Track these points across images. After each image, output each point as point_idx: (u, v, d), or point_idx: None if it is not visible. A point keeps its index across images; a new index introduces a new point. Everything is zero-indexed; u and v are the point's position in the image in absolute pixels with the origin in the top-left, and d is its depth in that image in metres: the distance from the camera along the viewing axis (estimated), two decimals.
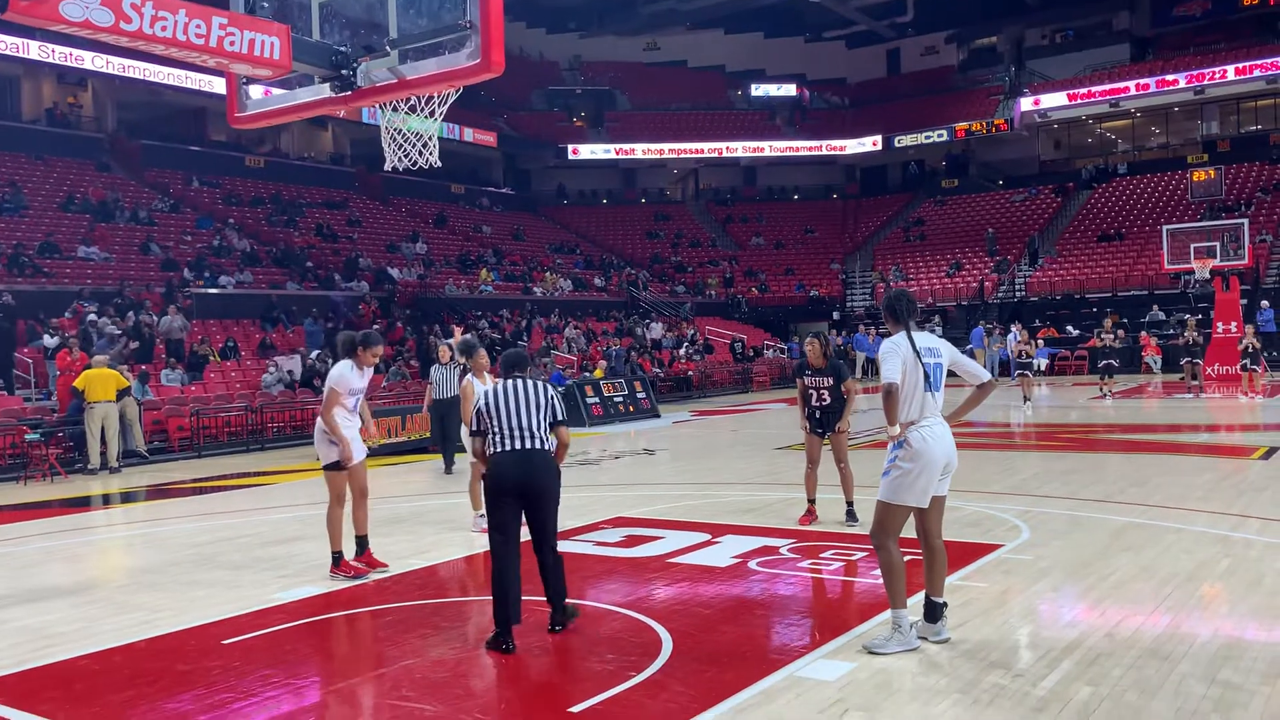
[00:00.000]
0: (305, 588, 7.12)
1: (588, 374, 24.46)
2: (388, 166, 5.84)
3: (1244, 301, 26.72)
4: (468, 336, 11.08)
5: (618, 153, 47.71)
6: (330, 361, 13.95)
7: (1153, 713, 4.30)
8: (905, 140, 46.77)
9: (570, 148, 47.12)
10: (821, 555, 7.50)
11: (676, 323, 35.19)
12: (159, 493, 13.44)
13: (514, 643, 5.45)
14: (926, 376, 5.20)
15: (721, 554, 7.67)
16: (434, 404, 13.42)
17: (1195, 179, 35.28)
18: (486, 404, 5.74)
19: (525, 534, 5.74)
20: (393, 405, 18.26)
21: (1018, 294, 36.72)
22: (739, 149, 48.32)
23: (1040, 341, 28.25)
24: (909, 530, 5.42)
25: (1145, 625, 5.50)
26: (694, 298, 39.23)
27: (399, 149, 5.85)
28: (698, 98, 51.38)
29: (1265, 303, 28.60)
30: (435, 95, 5.71)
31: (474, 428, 5.80)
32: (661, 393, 25.96)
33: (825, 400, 8.62)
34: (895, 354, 5.22)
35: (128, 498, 13.31)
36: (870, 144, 47.58)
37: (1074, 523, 8.38)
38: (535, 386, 5.79)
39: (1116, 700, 4.44)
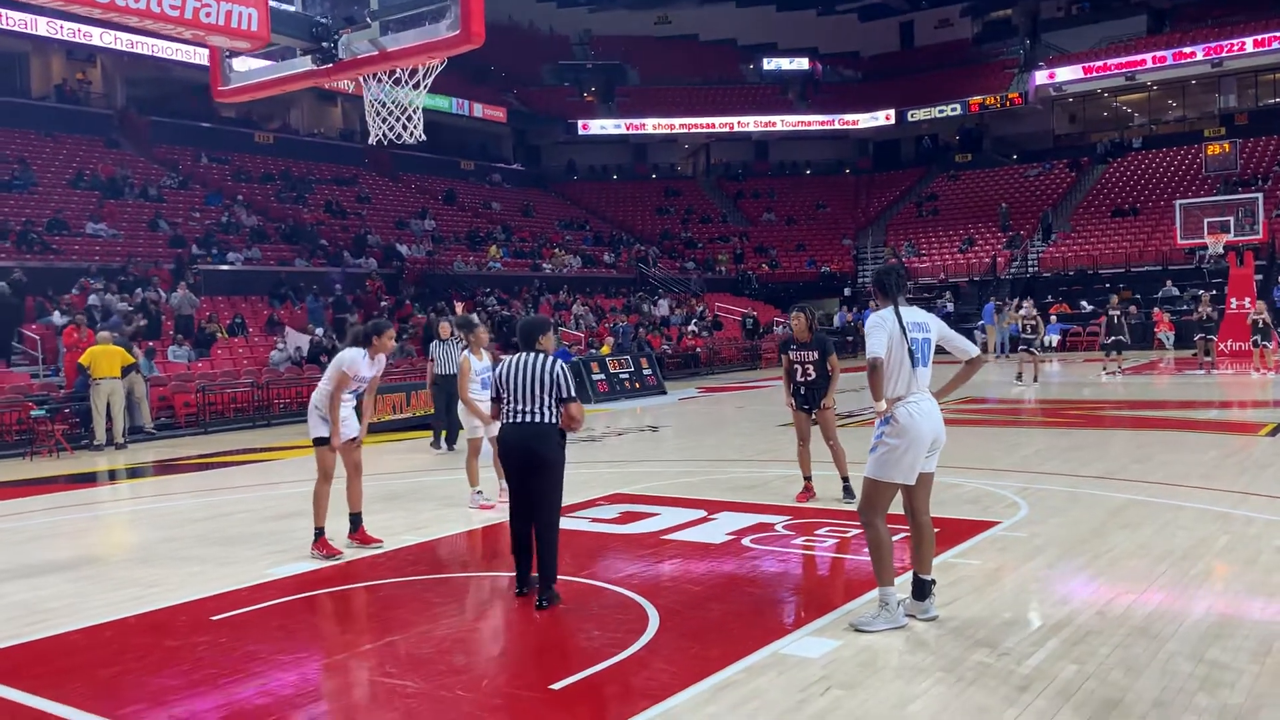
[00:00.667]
0: (299, 564, 7.14)
1: (594, 351, 24.42)
2: (371, 140, 5.81)
3: (1259, 277, 26.42)
4: (470, 316, 11.07)
5: (628, 128, 47.42)
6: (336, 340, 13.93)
7: (1137, 691, 4.25)
8: (919, 114, 46.34)
9: (580, 123, 46.89)
10: (816, 532, 7.47)
11: (685, 299, 35.06)
12: (163, 468, 13.49)
13: (527, 589, 5.92)
14: (911, 352, 5.13)
15: (716, 531, 7.64)
16: (436, 379, 13.42)
17: (1210, 153, 34.80)
18: (499, 376, 6.03)
19: None
20: (400, 381, 18.27)
21: (1030, 270, 36.40)
22: (750, 124, 47.92)
23: (1053, 317, 28.02)
24: (898, 507, 5.37)
25: (1136, 603, 5.44)
26: (704, 274, 39.06)
27: (383, 122, 5.80)
28: (709, 72, 50.89)
29: None
30: (420, 67, 5.65)
31: (491, 396, 6.18)
32: (669, 369, 25.90)
33: (810, 375, 8.47)
34: (881, 329, 5.15)
35: (132, 473, 13.36)
36: (883, 118, 47.16)
37: (1073, 500, 8.31)
38: (546, 363, 5.93)
39: (1101, 679, 4.39)
